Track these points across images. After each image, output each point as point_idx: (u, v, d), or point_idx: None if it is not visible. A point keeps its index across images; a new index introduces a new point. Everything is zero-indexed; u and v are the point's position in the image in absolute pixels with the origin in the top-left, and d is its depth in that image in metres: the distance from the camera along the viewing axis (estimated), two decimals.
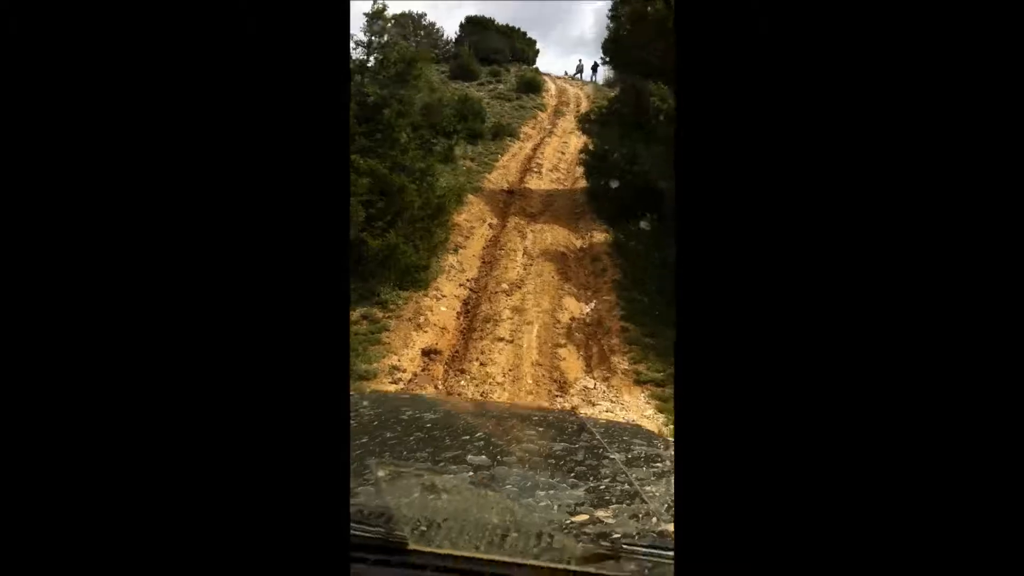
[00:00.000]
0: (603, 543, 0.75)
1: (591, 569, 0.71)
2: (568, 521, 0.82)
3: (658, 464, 1.10)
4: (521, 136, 16.69)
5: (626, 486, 0.95)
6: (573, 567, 0.71)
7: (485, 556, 0.71)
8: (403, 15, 27.16)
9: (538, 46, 29.55)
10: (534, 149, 15.80)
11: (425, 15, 27.74)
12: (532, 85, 22.21)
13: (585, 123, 12.48)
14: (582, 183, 11.40)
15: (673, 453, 1.10)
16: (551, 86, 24.63)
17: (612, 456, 1.09)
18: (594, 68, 29.54)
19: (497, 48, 26.81)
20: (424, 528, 0.77)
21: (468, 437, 1.14)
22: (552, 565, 0.70)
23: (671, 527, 0.76)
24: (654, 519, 0.84)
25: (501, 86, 22.50)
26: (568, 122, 19.59)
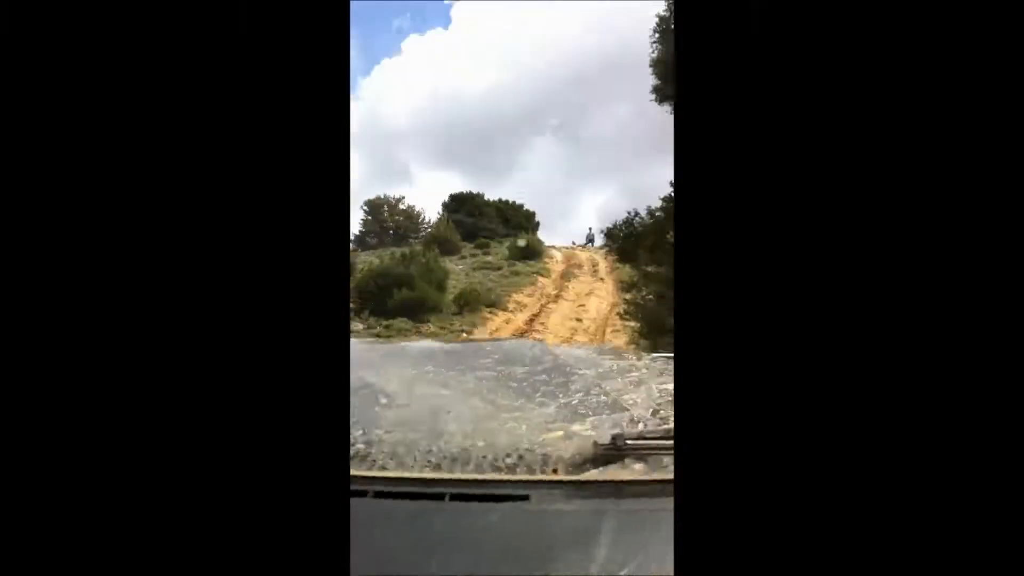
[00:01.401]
0: (599, 443, 0.61)
1: (590, 476, 0.60)
2: (541, 439, 0.68)
3: (634, 374, 0.97)
4: (511, 306, 10.04)
5: (602, 397, 0.81)
6: (561, 476, 0.60)
7: (448, 476, 0.60)
8: (376, 200, 22.90)
9: (538, 217, 24.78)
10: (530, 320, 9.13)
11: (403, 198, 23.63)
12: (530, 251, 16.39)
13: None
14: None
15: (647, 364, 1.02)
16: (556, 254, 19.00)
17: (582, 372, 0.94)
18: (609, 233, 24.40)
19: (486, 226, 21.98)
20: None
21: (416, 371, 1.01)
22: (530, 478, 0.59)
23: (667, 427, 0.64)
24: (641, 425, 0.71)
25: (489, 257, 16.84)
26: (583, 284, 13.20)
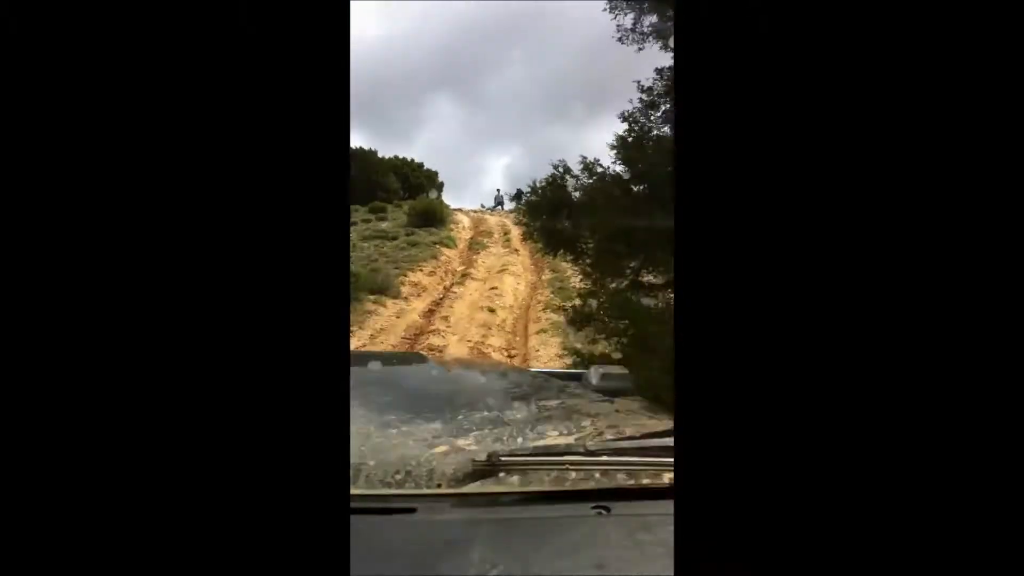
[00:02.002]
0: (476, 460, 0.63)
1: (470, 489, 0.63)
2: (427, 454, 0.69)
3: (516, 389, 1.00)
4: (406, 289, 7.76)
5: (486, 413, 0.84)
6: (444, 490, 0.62)
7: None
8: None
9: (441, 174, 22.19)
10: (429, 312, 7.01)
11: None
12: (431, 216, 13.98)
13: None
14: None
15: (530, 379, 1.07)
16: (463, 219, 16.74)
17: (468, 384, 1.05)
18: (519, 195, 22.39)
19: (382, 183, 19.19)
20: None
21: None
22: (417, 492, 0.62)
23: (544, 442, 0.70)
24: (520, 439, 0.74)
25: (385, 224, 14.31)
26: (495, 256, 11.10)
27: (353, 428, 0.64)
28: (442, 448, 0.71)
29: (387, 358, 1.45)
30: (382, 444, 0.74)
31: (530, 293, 8.18)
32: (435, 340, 5.83)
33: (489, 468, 0.63)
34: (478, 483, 0.62)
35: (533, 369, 1.50)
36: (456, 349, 5.52)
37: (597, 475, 0.63)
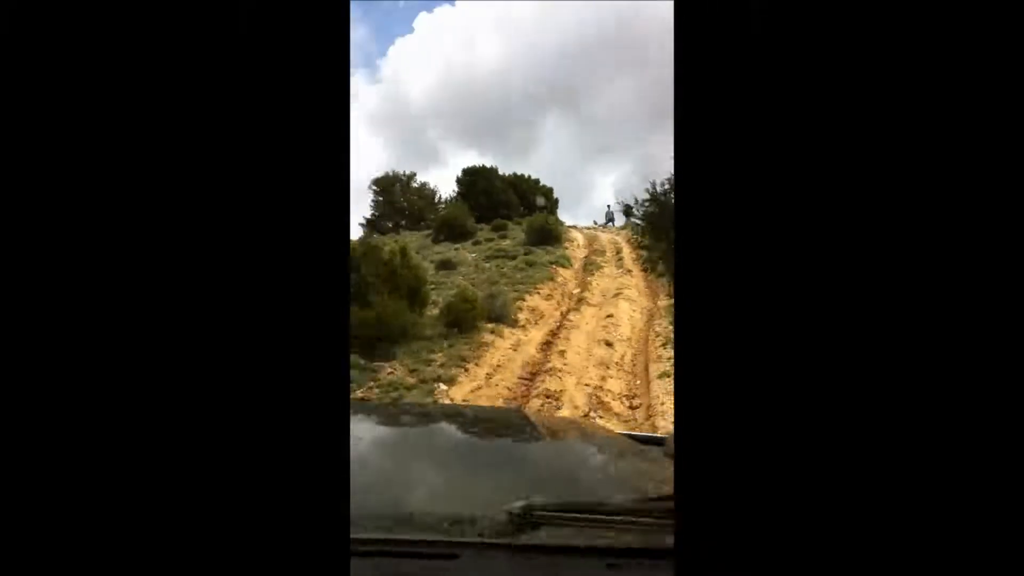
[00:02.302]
0: (513, 511, 0.66)
1: (503, 540, 0.65)
2: (505, 506, 0.70)
3: (592, 449, 1.05)
4: (522, 317, 8.46)
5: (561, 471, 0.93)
6: (488, 539, 0.64)
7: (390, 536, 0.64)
8: (386, 178, 21.23)
9: (556, 194, 22.91)
10: (546, 345, 7.30)
11: (415, 175, 21.91)
12: (547, 234, 14.67)
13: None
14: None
15: (608, 442, 1.10)
16: (577, 236, 17.28)
17: (546, 445, 1.07)
18: (627, 211, 22.51)
19: (503, 200, 20.23)
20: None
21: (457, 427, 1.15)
22: (463, 540, 0.64)
23: (611, 501, 0.71)
24: (619, 497, 0.77)
25: (505, 242, 15.22)
26: (608, 278, 11.54)
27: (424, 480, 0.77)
28: (521, 501, 0.72)
29: (481, 418, 1.43)
30: (457, 498, 0.80)
31: (647, 323, 8.53)
32: (552, 384, 5.48)
33: (524, 520, 0.66)
34: (515, 535, 0.65)
35: (619, 432, 1.56)
36: (575, 394, 5.28)
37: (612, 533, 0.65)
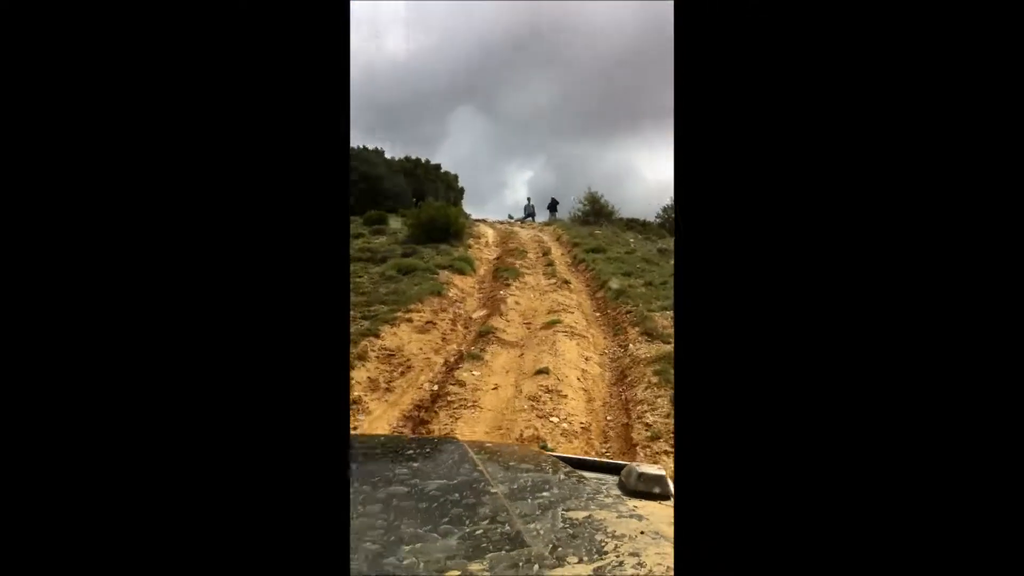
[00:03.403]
0: None
1: None
2: None
3: (544, 494, 0.90)
4: (359, 387, 3.53)
5: (506, 527, 0.75)
6: None
7: None
8: None
9: (461, 183, 18.14)
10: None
11: None
12: (441, 228, 9.88)
13: None
14: None
15: (562, 477, 0.96)
16: (487, 232, 12.65)
17: (493, 491, 0.88)
18: (553, 206, 18.18)
19: (389, 189, 15.26)
20: None
21: None
22: None
23: (555, 574, 0.62)
24: (536, 566, 0.65)
25: (380, 239, 10.32)
26: (533, 292, 6.87)
27: (365, 543, 0.65)
28: (453, 573, 0.64)
29: (412, 449, 1.15)
30: (391, 564, 0.66)
31: (619, 393, 3.92)
32: None
33: None
34: None
35: (565, 456, 1.11)
36: None
37: None
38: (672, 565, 0.55)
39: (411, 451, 1.13)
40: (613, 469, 1.06)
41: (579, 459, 1.15)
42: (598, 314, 6.07)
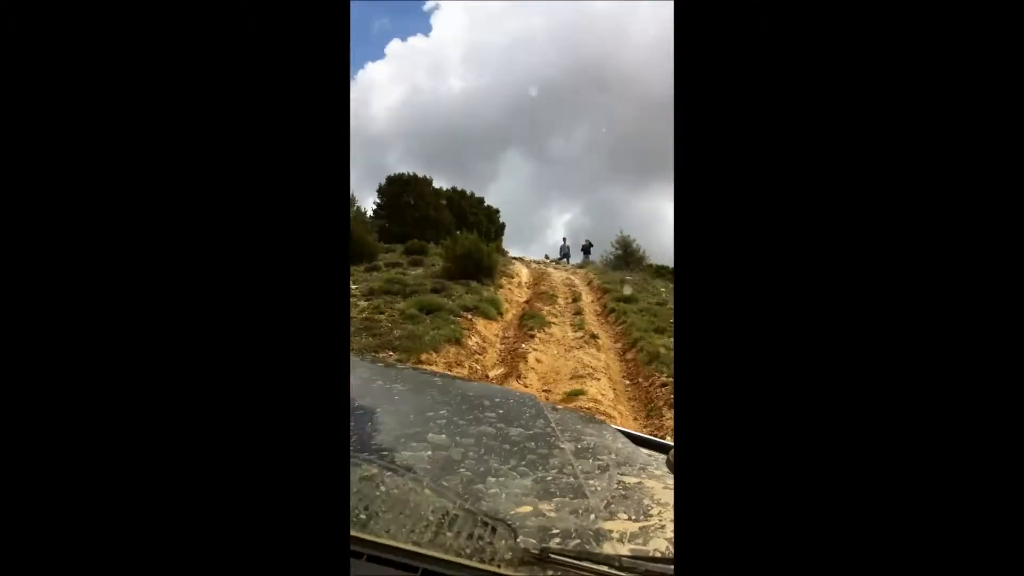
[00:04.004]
0: (531, 548, 0.67)
1: (517, 573, 0.66)
2: (512, 512, 0.74)
3: (603, 457, 1.00)
4: None
5: (571, 479, 0.86)
6: (503, 571, 0.65)
7: (421, 551, 0.64)
8: None
9: (504, 219, 18.04)
10: None
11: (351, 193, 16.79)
12: (476, 264, 9.70)
13: None
14: None
15: (620, 445, 1.07)
16: (521, 271, 12.41)
17: (562, 446, 0.99)
18: (587, 248, 17.87)
19: (433, 218, 15.27)
20: (363, 516, 0.69)
21: (433, 413, 1.09)
22: (482, 567, 0.65)
23: (607, 525, 0.72)
24: (592, 516, 0.75)
25: (417, 270, 10.20)
26: (557, 347, 6.53)
27: (460, 469, 0.79)
28: (526, 508, 0.73)
29: (498, 398, 1.29)
30: (479, 491, 0.77)
31: None
32: None
33: (537, 560, 0.65)
34: (522, 570, 0.65)
35: (623, 429, 1.23)
36: None
37: None
38: None
39: (498, 398, 1.24)
40: (665, 448, 1.12)
41: (636, 434, 1.22)
42: (627, 382, 5.65)
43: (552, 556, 0.64)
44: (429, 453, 0.90)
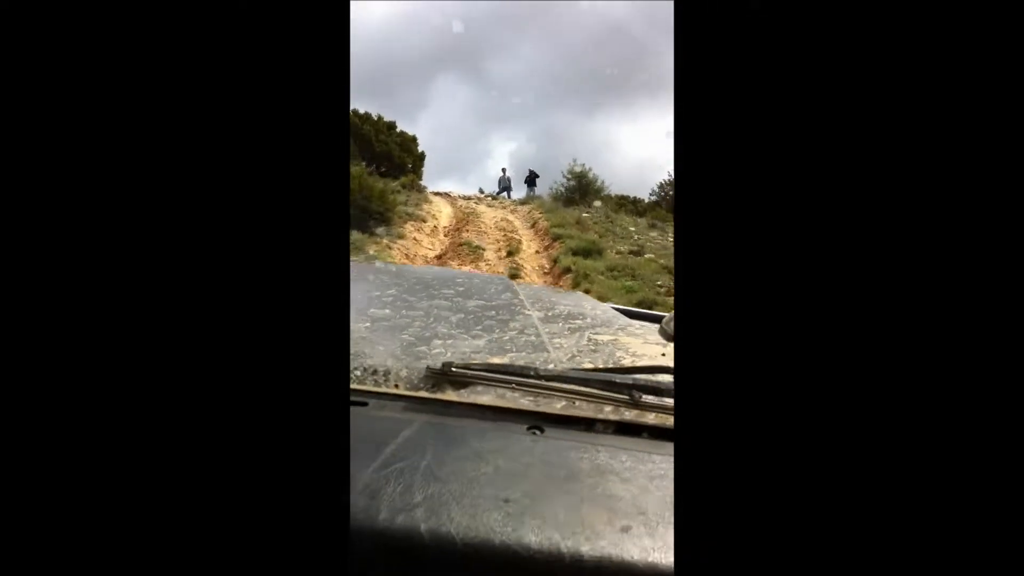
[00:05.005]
0: (431, 367, 0.65)
1: (415, 392, 0.65)
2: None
3: (577, 321, 0.91)
4: None
5: (532, 338, 0.80)
6: (400, 390, 0.64)
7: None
8: None
9: (421, 147, 14.19)
10: None
11: None
12: (359, 207, 6.18)
13: None
14: None
15: (599, 312, 0.97)
16: (441, 211, 8.98)
17: (528, 312, 0.90)
18: (531, 180, 14.40)
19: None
20: None
21: (379, 293, 1.00)
22: (378, 389, 0.64)
23: (493, 361, 0.68)
24: (551, 366, 0.68)
25: None
26: None
27: (402, 335, 0.73)
28: (477, 362, 0.67)
29: (461, 278, 1.23)
30: (422, 353, 0.73)
31: None
32: None
33: (442, 376, 0.64)
34: (426, 390, 0.63)
35: (614, 306, 1.14)
36: None
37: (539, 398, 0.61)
38: None
39: (460, 280, 1.15)
40: (659, 319, 1.04)
41: (628, 309, 1.13)
42: None
43: (455, 369, 0.62)
44: (368, 324, 0.83)
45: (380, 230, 6.71)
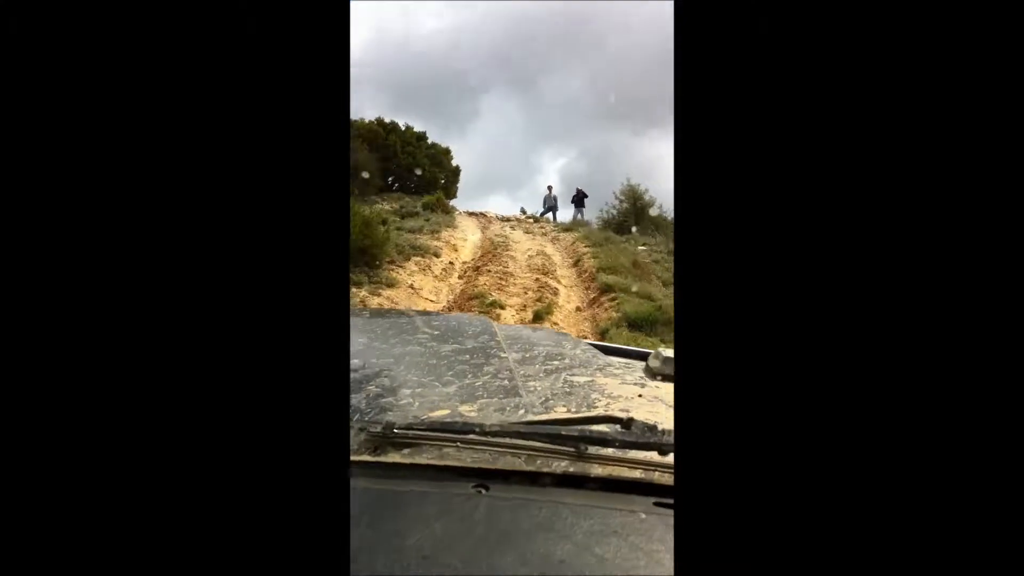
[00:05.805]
0: (372, 431, 0.61)
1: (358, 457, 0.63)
2: (424, 417, 0.67)
3: (555, 362, 0.88)
4: None
5: (506, 382, 0.77)
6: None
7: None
8: None
9: (465, 160, 12.58)
10: None
11: None
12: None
13: None
14: None
15: (579, 352, 0.95)
16: (465, 238, 7.29)
17: (504, 355, 0.87)
18: (579, 200, 12.42)
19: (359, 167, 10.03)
20: None
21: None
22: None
23: (536, 416, 0.64)
24: (521, 411, 0.67)
25: None
26: None
27: (369, 387, 0.70)
28: (443, 412, 0.66)
29: (438, 320, 1.19)
30: (388, 404, 0.70)
31: None
32: None
33: (383, 439, 0.61)
34: (368, 454, 0.61)
35: (590, 342, 1.12)
36: None
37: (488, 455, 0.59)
38: (661, 423, 0.57)
39: (437, 323, 1.10)
40: (643, 356, 1.01)
41: (611, 346, 1.11)
42: None
43: (396, 431, 0.60)
44: None
45: (376, 272, 5.05)
